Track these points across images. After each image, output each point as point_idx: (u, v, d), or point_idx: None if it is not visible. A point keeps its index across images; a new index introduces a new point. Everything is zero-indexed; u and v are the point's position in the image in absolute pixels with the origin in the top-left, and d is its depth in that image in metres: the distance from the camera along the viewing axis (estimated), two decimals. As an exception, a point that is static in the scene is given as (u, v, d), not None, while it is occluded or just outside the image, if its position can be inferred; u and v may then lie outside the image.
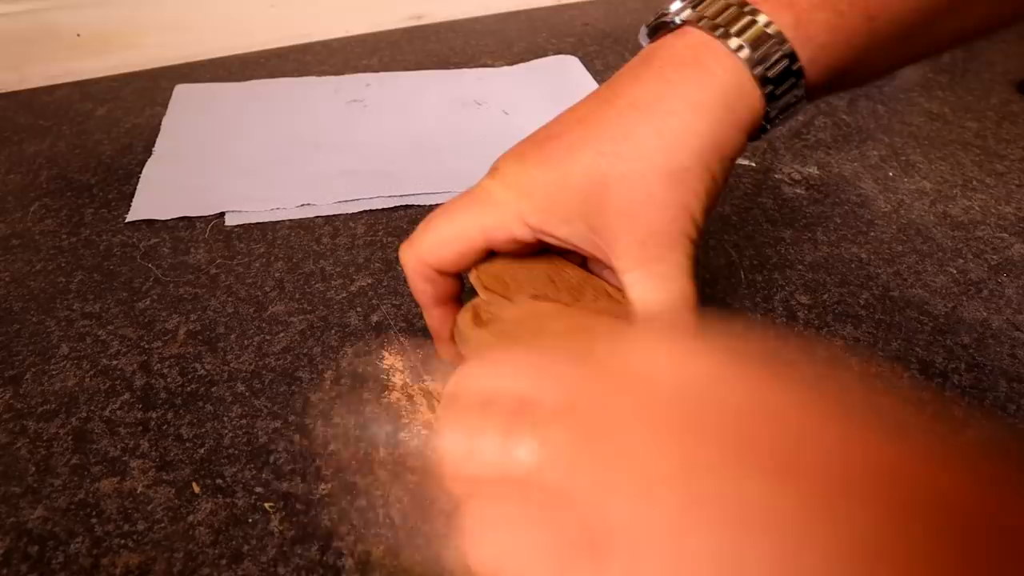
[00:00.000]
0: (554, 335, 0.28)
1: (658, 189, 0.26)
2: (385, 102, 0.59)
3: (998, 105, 0.59)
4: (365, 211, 0.47)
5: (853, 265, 0.43)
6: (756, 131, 0.28)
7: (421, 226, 0.30)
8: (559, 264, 0.30)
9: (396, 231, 0.45)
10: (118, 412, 0.34)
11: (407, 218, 0.46)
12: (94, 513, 0.30)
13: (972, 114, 0.58)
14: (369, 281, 0.41)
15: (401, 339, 0.38)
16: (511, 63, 0.66)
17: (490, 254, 0.30)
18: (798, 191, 0.49)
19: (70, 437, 0.33)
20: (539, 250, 0.30)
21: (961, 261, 0.43)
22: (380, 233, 0.45)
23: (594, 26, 0.73)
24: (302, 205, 0.47)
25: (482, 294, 0.30)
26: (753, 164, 0.52)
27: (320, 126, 0.56)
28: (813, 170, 0.51)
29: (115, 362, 0.37)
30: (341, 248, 0.44)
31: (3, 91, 0.61)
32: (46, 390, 0.35)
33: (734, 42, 0.26)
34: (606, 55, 0.67)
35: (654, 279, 0.27)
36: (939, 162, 0.52)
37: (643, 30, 0.31)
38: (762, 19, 0.26)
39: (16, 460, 0.32)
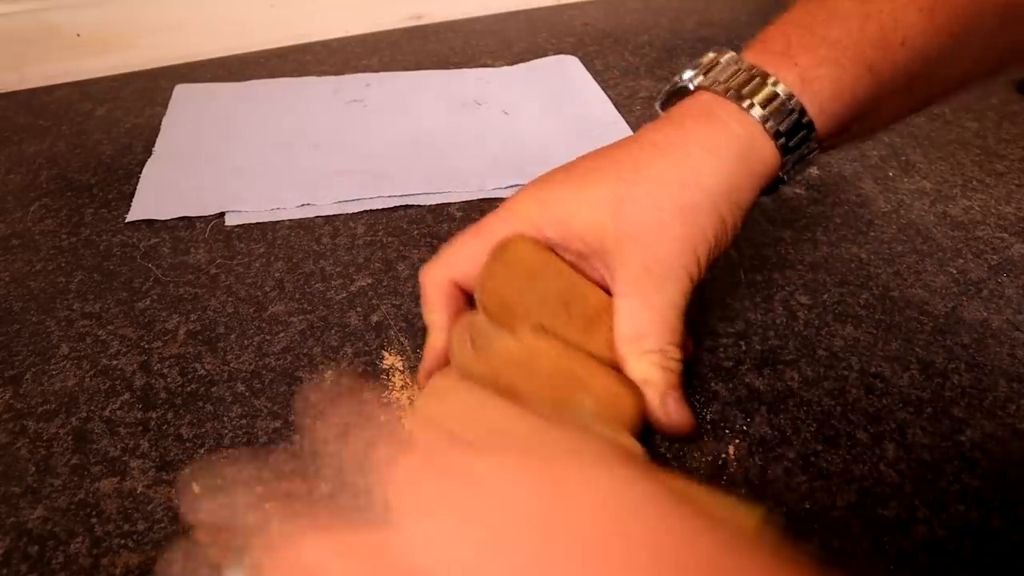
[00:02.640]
0: (540, 386, 0.28)
1: (670, 219, 0.28)
2: (385, 102, 0.59)
3: (998, 105, 0.59)
4: (365, 211, 0.47)
5: (853, 265, 0.43)
6: (772, 183, 0.30)
7: (447, 248, 0.31)
8: (580, 286, 0.29)
9: (396, 231, 0.45)
10: (118, 412, 0.34)
11: (407, 218, 0.47)
12: (94, 513, 0.30)
13: (972, 114, 0.58)
14: (369, 281, 0.41)
15: (401, 339, 0.38)
16: (511, 63, 0.66)
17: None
18: (798, 191, 0.49)
19: (70, 437, 0.33)
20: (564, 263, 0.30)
21: (961, 261, 0.43)
22: (380, 233, 0.45)
23: (594, 26, 0.73)
24: (302, 205, 0.47)
25: (484, 317, 0.29)
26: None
27: (320, 126, 0.56)
28: (813, 170, 0.51)
29: (115, 362, 0.37)
30: (341, 248, 0.44)
31: (3, 91, 0.61)
32: (46, 390, 0.35)
33: (746, 102, 0.28)
34: (606, 55, 0.67)
35: (646, 310, 0.28)
36: (939, 162, 0.52)
37: (659, 99, 0.33)
38: (770, 80, 0.28)
39: (16, 460, 0.32)
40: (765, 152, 0.29)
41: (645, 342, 0.28)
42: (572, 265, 0.30)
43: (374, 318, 0.39)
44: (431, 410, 0.28)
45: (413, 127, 0.56)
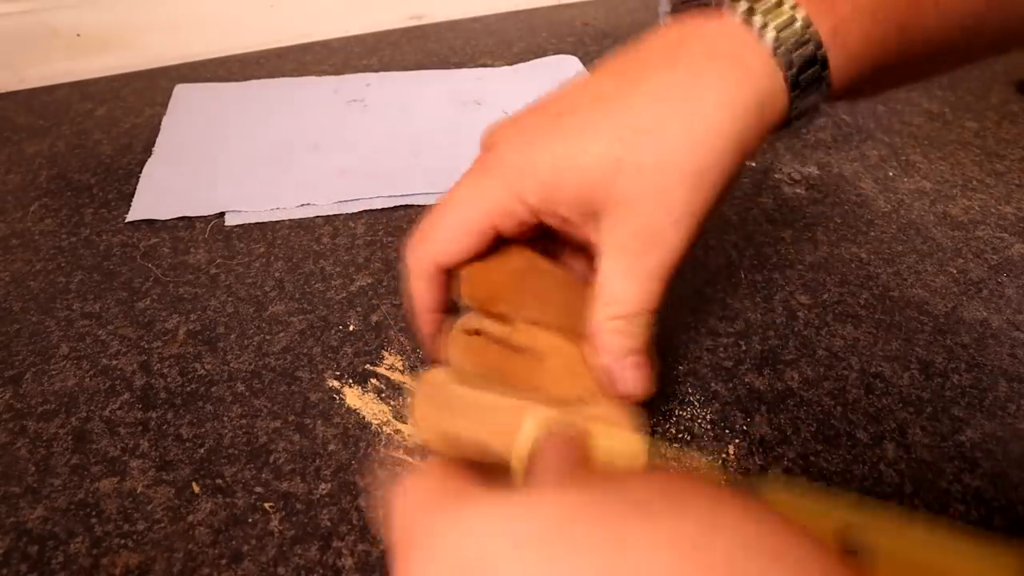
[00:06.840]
0: (550, 380, 0.28)
1: (674, 186, 0.25)
2: (385, 102, 0.59)
3: (998, 105, 0.59)
4: (365, 211, 0.47)
5: (853, 265, 0.43)
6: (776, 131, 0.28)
7: (427, 223, 0.28)
8: (559, 276, 0.29)
9: (396, 231, 0.45)
10: (118, 412, 0.34)
11: (407, 218, 0.47)
12: (94, 513, 0.30)
13: (972, 114, 0.58)
14: (369, 281, 0.41)
15: (401, 339, 0.38)
16: (511, 63, 0.66)
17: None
18: (798, 191, 0.49)
19: (70, 437, 0.33)
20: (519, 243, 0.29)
21: (961, 261, 0.43)
22: (380, 233, 0.45)
23: (594, 26, 0.73)
24: (302, 205, 0.47)
25: (480, 316, 0.29)
26: (753, 164, 0.52)
27: (320, 126, 0.56)
28: (813, 170, 0.51)
29: (115, 362, 0.37)
30: (341, 248, 0.44)
31: (3, 91, 0.61)
32: (46, 390, 0.35)
33: (771, 36, 0.25)
34: (606, 55, 0.67)
35: (630, 275, 0.26)
36: (939, 162, 0.52)
37: (666, 6, 0.29)
38: (801, 17, 0.25)
39: (16, 460, 0.32)
40: (780, 103, 0.26)
41: (616, 307, 0.27)
42: (554, 228, 0.29)
43: (374, 318, 0.39)
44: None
45: (413, 127, 0.56)
